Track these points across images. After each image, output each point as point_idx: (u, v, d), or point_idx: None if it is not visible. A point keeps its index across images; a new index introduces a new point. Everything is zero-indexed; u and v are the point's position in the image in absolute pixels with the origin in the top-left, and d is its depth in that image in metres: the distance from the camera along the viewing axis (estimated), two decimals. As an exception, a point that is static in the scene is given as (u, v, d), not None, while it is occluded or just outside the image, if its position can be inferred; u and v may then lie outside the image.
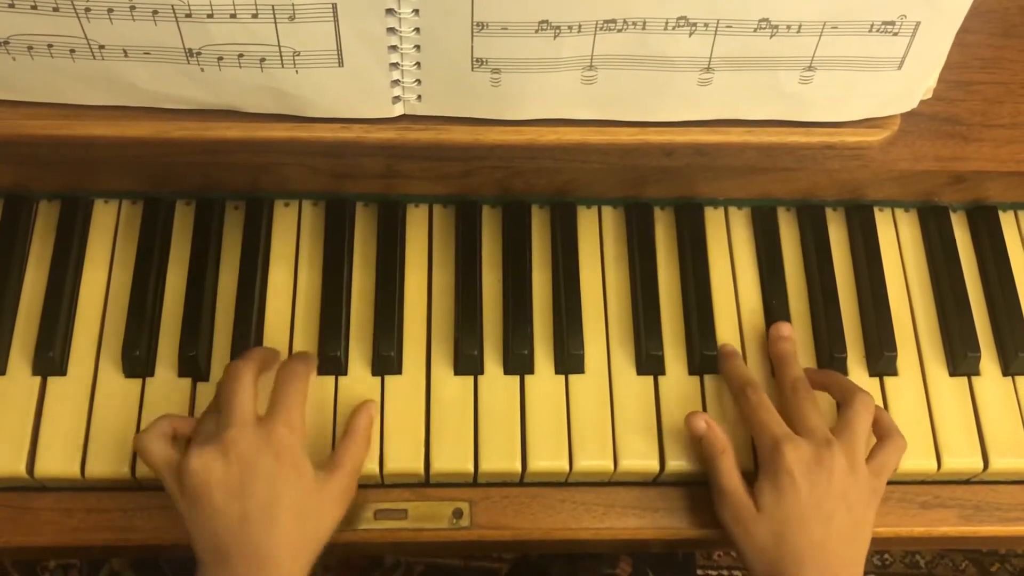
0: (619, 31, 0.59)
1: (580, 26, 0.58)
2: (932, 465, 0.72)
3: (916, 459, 0.72)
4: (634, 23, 0.59)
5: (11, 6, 0.56)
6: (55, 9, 0.56)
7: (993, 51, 0.74)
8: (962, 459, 0.72)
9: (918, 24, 0.60)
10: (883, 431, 0.69)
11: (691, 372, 0.74)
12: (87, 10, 0.56)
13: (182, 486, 0.62)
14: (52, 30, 0.58)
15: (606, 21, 0.58)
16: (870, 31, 0.60)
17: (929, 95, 0.68)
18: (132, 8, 0.56)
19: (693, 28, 0.59)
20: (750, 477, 0.68)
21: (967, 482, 0.74)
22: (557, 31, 0.58)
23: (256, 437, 0.62)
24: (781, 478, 0.65)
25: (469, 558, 1.33)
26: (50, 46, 0.59)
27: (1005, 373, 0.76)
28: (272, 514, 0.61)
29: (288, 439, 0.63)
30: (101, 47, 0.59)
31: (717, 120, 0.66)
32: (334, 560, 1.11)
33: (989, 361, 0.76)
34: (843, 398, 0.70)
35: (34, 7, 0.56)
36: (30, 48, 0.59)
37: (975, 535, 0.73)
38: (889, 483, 0.72)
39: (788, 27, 0.60)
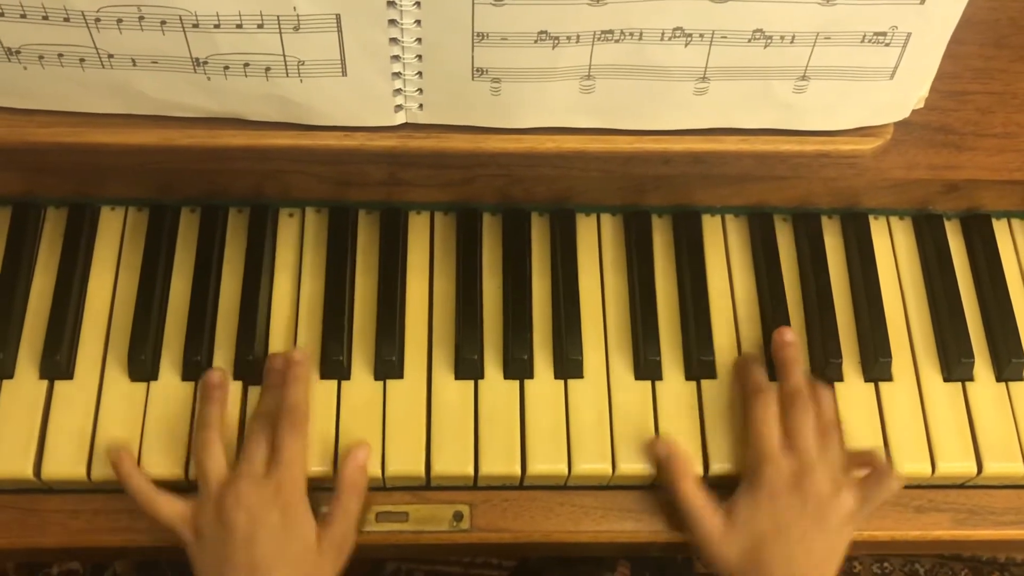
0: (616, 41, 0.60)
1: (578, 36, 0.60)
2: (927, 469, 0.73)
3: (911, 463, 0.73)
4: (631, 33, 0.60)
5: (23, 16, 0.57)
6: (66, 19, 0.58)
7: (985, 61, 0.75)
8: (956, 463, 0.73)
9: (909, 35, 0.61)
10: (879, 467, 0.69)
11: (688, 377, 0.75)
12: (97, 20, 0.58)
13: (197, 532, 0.66)
14: (62, 39, 0.59)
15: (604, 31, 0.60)
16: (862, 42, 0.61)
17: (922, 105, 0.69)
18: (141, 18, 0.57)
19: (689, 39, 0.61)
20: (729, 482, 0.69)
21: (961, 486, 0.75)
22: (556, 41, 0.60)
23: (263, 492, 0.65)
24: (759, 494, 0.67)
25: (469, 565, 1.33)
26: (60, 55, 0.60)
27: (999, 379, 0.77)
28: (276, 566, 0.64)
29: (293, 496, 0.66)
30: (110, 56, 0.60)
31: (713, 129, 0.67)
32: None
33: (983, 367, 0.77)
34: (822, 425, 0.70)
35: (45, 17, 0.58)
36: (41, 57, 0.60)
37: (969, 539, 0.74)
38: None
39: (782, 38, 0.61)
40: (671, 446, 0.70)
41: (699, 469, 0.71)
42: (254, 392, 0.72)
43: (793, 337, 0.74)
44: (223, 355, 0.74)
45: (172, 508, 0.67)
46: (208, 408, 0.70)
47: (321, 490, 0.69)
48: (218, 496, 0.66)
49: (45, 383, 0.72)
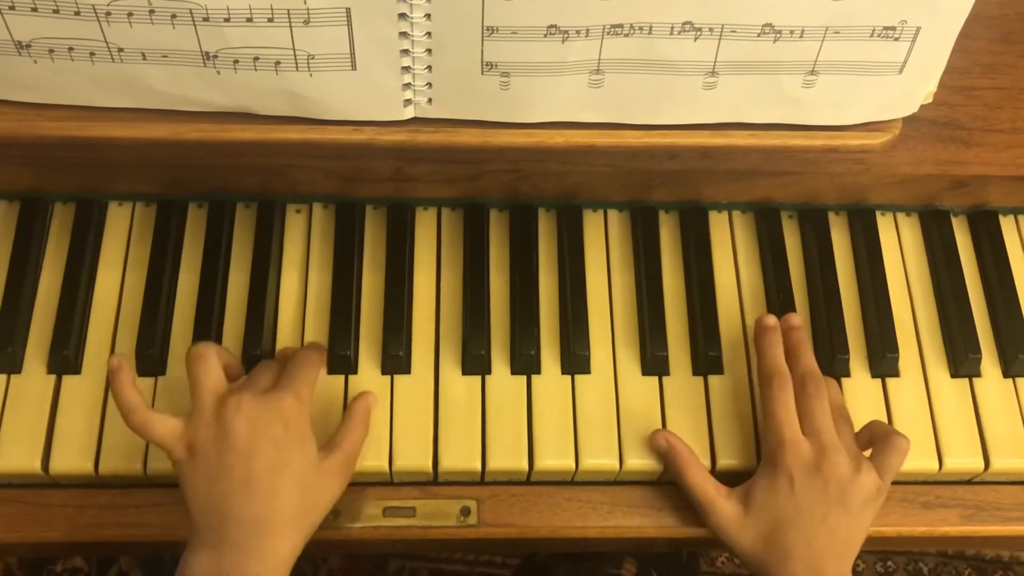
0: (626, 36, 0.60)
1: (588, 30, 0.60)
2: (934, 465, 0.73)
3: (918, 459, 0.73)
4: (640, 28, 0.60)
5: (34, 10, 0.58)
6: (76, 13, 0.58)
7: (993, 57, 0.75)
8: (963, 459, 0.73)
9: (918, 29, 0.61)
10: (882, 435, 0.69)
11: (695, 373, 0.75)
12: (107, 14, 0.58)
13: (191, 448, 0.62)
14: (73, 33, 0.59)
15: (613, 26, 0.60)
16: (871, 36, 0.61)
17: (930, 100, 0.69)
18: (151, 12, 0.58)
19: (698, 33, 0.61)
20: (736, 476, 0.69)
21: (968, 482, 0.75)
22: (565, 35, 0.60)
23: (266, 403, 0.64)
24: (779, 479, 0.66)
25: (473, 563, 1.34)
26: (70, 49, 0.60)
27: (1006, 375, 0.77)
28: (276, 480, 0.62)
29: (297, 410, 0.64)
30: (120, 50, 0.60)
31: (721, 124, 0.67)
32: (339, 562, 1.12)
33: (990, 363, 0.77)
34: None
35: (56, 11, 0.58)
36: (51, 51, 0.60)
37: (976, 535, 0.74)
38: (891, 483, 0.74)
39: (791, 32, 0.61)
40: (670, 438, 0.70)
41: (707, 463, 0.71)
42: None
43: (799, 321, 0.74)
44: (231, 349, 0.73)
45: (165, 424, 0.63)
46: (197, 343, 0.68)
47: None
48: (217, 406, 0.63)
49: (53, 378, 0.72)
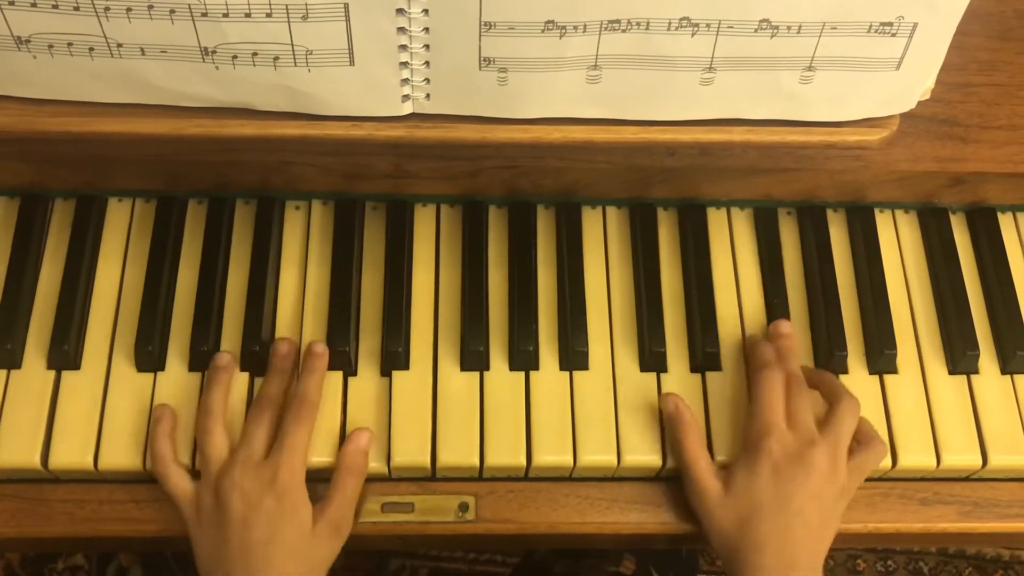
0: (623, 31, 0.61)
1: (585, 26, 0.60)
2: (931, 462, 0.73)
3: (916, 456, 0.73)
4: (638, 23, 0.60)
5: (33, 5, 0.58)
6: (75, 8, 0.58)
7: (991, 54, 0.75)
8: (961, 456, 0.73)
9: (915, 25, 0.61)
10: (864, 437, 0.71)
11: (693, 369, 0.75)
12: (107, 9, 0.58)
13: (197, 513, 0.67)
14: (72, 29, 0.59)
15: (610, 21, 0.60)
16: (868, 32, 0.61)
17: (927, 96, 0.69)
18: (150, 7, 0.58)
19: (695, 28, 0.61)
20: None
21: (966, 479, 0.75)
22: (563, 31, 0.60)
23: (260, 478, 0.66)
24: (760, 464, 0.67)
25: (473, 561, 1.34)
26: (70, 44, 0.61)
27: (1004, 371, 0.77)
28: (269, 551, 0.64)
29: (289, 482, 0.66)
30: (119, 45, 0.60)
31: (719, 119, 0.67)
32: (340, 560, 1.12)
33: (988, 360, 0.77)
34: (831, 399, 0.71)
35: (55, 6, 0.58)
36: (50, 46, 0.61)
37: (974, 531, 0.74)
38: (889, 479, 0.74)
39: (788, 28, 0.61)
40: (679, 403, 0.71)
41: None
42: (260, 383, 0.72)
43: (790, 330, 0.75)
44: (229, 346, 0.74)
45: (180, 483, 0.68)
46: (212, 392, 0.70)
47: (325, 481, 0.69)
48: (216, 479, 0.66)
49: (52, 373, 0.72)
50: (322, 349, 0.72)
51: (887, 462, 0.73)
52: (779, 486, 0.66)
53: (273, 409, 0.70)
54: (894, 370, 0.76)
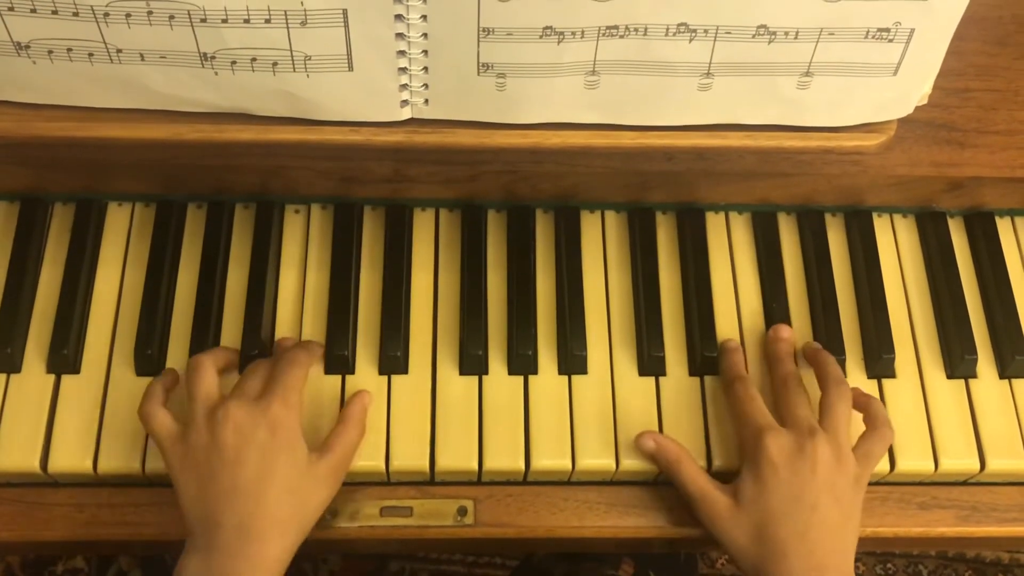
0: (621, 37, 0.61)
1: (583, 32, 0.60)
2: (930, 466, 0.73)
3: (914, 460, 0.73)
4: (636, 29, 0.60)
5: (33, 11, 0.58)
6: (75, 14, 0.58)
7: (988, 59, 0.75)
8: (959, 460, 0.73)
9: (912, 31, 0.61)
10: (872, 421, 0.70)
11: (692, 373, 0.76)
12: (106, 15, 0.58)
13: (183, 453, 0.64)
14: (71, 34, 0.60)
15: (608, 27, 0.60)
16: (865, 38, 0.61)
17: (925, 101, 0.69)
18: (149, 13, 0.58)
19: (693, 34, 0.61)
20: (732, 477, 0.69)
21: (964, 483, 0.75)
22: (561, 37, 0.60)
23: (253, 411, 0.64)
24: (763, 468, 0.66)
25: (472, 565, 1.34)
26: (69, 50, 0.61)
27: (1002, 376, 0.77)
28: (262, 487, 0.63)
29: (284, 416, 0.65)
30: (119, 51, 0.61)
31: (717, 125, 0.67)
32: (339, 563, 1.12)
33: (986, 364, 0.77)
34: (823, 386, 0.71)
35: (54, 12, 0.58)
36: (50, 52, 0.61)
37: (972, 536, 0.74)
38: (887, 483, 0.74)
39: (786, 33, 0.61)
40: (656, 437, 0.70)
41: (703, 464, 0.72)
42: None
43: (789, 334, 0.75)
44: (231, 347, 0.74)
45: (164, 421, 0.65)
46: (210, 352, 0.70)
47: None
48: (207, 416, 0.64)
49: (52, 377, 0.73)
50: (319, 347, 0.74)
51: (885, 466, 0.73)
52: (787, 486, 0.65)
53: (269, 365, 0.69)
54: (892, 374, 0.76)
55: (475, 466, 0.71)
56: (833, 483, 0.65)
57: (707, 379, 0.75)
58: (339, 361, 0.73)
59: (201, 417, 0.65)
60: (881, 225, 0.82)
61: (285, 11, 0.58)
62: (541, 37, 0.60)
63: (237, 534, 0.62)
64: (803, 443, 0.66)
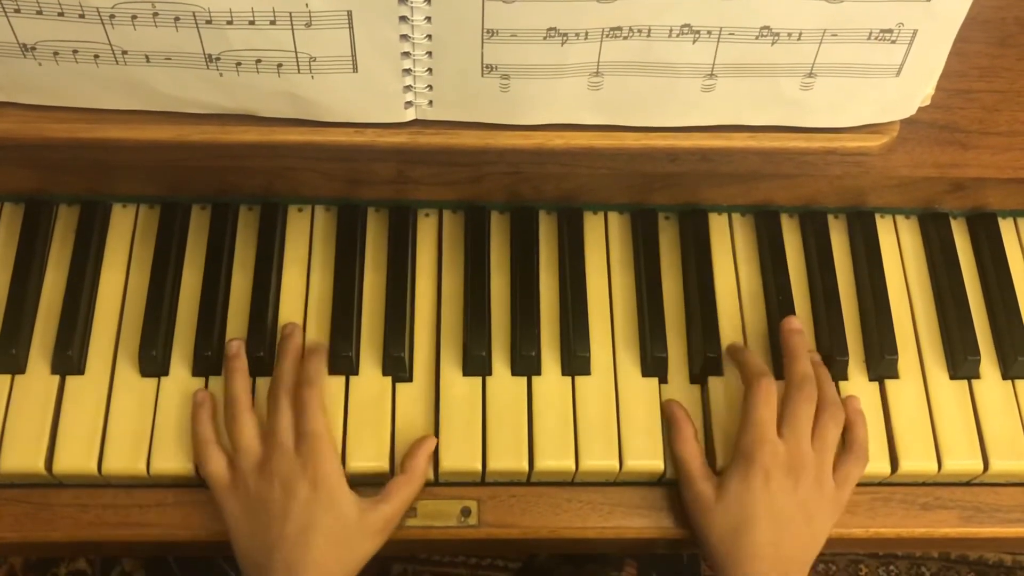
0: (624, 38, 0.61)
1: (587, 33, 0.60)
2: (933, 467, 0.73)
3: (917, 460, 0.73)
4: (639, 30, 0.60)
5: (39, 13, 0.58)
6: (81, 16, 0.58)
7: (990, 60, 0.75)
8: (962, 461, 0.73)
9: (915, 32, 0.61)
10: (852, 444, 0.71)
11: (694, 374, 0.76)
12: (112, 16, 0.58)
13: (235, 503, 0.67)
14: (77, 36, 0.60)
15: (612, 28, 0.60)
16: (869, 39, 0.62)
17: (928, 103, 0.69)
18: (155, 15, 0.58)
19: (696, 36, 0.61)
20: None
21: (967, 484, 0.75)
22: (564, 38, 0.60)
23: (295, 466, 0.67)
24: (753, 472, 0.67)
25: (476, 567, 1.34)
26: (75, 52, 0.61)
27: (1005, 376, 0.77)
28: (307, 538, 0.65)
29: (324, 469, 0.67)
30: (124, 52, 0.61)
31: (720, 126, 0.68)
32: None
33: (989, 365, 0.77)
34: (820, 404, 0.71)
35: (61, 14, 0.58)
36: (56, 54, 0.61)
37: (975, 536, 0.74)
38: (890, 484, 0.74)
39: (789, 35, 0.61)
40: (674, 407, 0.72)
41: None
42: (263, 383, 0.73)
43: (800, 325, 0.75)
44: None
45: (219, 470, 0.68)
46: (234, 382, 0.71)
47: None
48: (255, 469, 0.67)
49: (57, 378, 0.73)
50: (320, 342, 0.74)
51: (888, 467, 0.73)
52: (772, 496, 0.67)
53: (289, 393, 0.70)
54: (895, 375, 0.76)
55: (479, 467, 0.71)
56: (808, 502, 0.68)
57: (710, 380, 0.75)
58: (343, 362, 0.73)
59: (249, 473, 0.67)
60: (884, 226, 0.82)
61: (290, 13, 0.58)
62: (545, 38, 0.60)
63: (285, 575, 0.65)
64: (794, 463, 0.68)
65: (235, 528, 0.67)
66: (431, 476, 0.72)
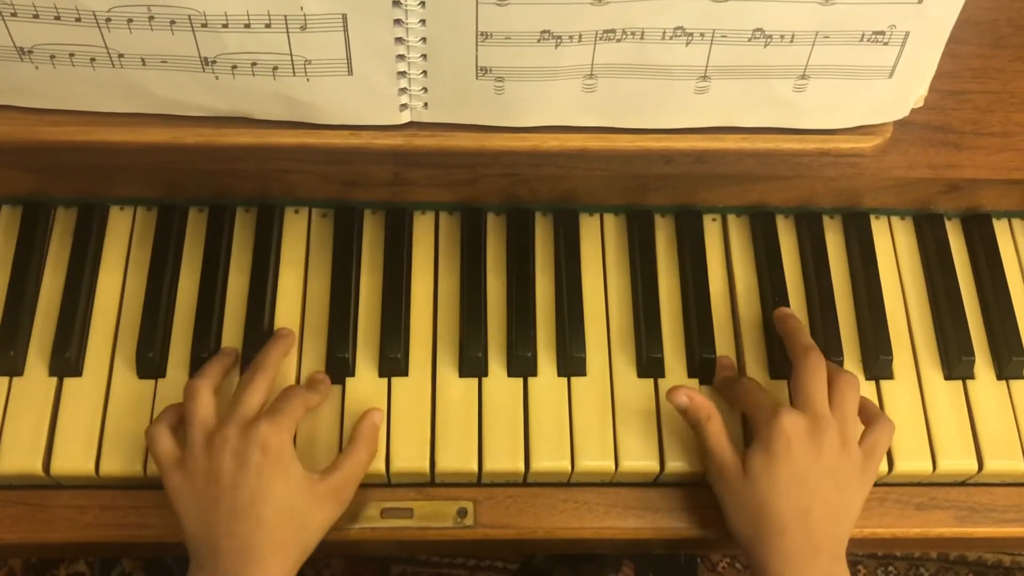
0: (618, 41, 0.61)
1: (580, 36, 0.60)
2: (928, 467, 0.73)
3: (912, 461, 0.73)
4: (632, 33, 0.61)
5: (35, 16, 0.59)
6: (77, 19, 0.59)
7: (983, 61, 0.75)
8: (957, 461, 0.74)
9: (907, 34, 0.62)
10: (870, 416, 0.71)
11: (690, 375, 0.76)
12: (108, 20, 0.59)
13: (182, 479, 0.65)
14: (74, 39, 0.60)
15: (605, 31, 0.60)
16: (861, 40, 0.62)
17: (921, 104, 0.69)
18: (151, 18, 0.58)
19: (690, 38, 0.61)
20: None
21: (962, 484, 0.75)
22: (558, 40, 0.60)
23: (249, 434, 0.65)
24: (775, 443, 0.66)
25: (474, 568, 1.34)
26: (71, 55, 0.61)
27: (999, 377, 0.77)
28: (259, 509, 0.63)
29: (275, 437, 0.65)
30: (120, 56, 0.61)
31: (714, 128, 0.68)
32: (341, 566, 1.13)
33: (983, 365, 0.77)
34: (830, 377, 0.71)
35: (57, 17, 0.59)
36: (52, 57, 0.61)
37: (970, 536, 0.75)
38: (885, 484, 0.74)
39: (782, 37, 0.61)
40: (690, 394, 0.70)
41: (701, 466, 0.72)
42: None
43: (791, 311, 0.76)
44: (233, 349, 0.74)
45: (166, 447, 0.66)
46: (210, 364, 0.71)
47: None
48: (206, 442, 0.65)
49: (54, 380, 0.73)
50: (322, 376, 0.74)
51: (884, 467, 0.73)
52: (795, 462, 0.65)
53: (267, 378, 0.70)
54: (890, 376, 0.77)
55: (475, 468, 0.71)
56: (836, 469, 0.66)
57: (705, 380, 0.75)
58: (339, 363, 0.74)
59: (199, 444, 0.65)
60: (879, 227, 0.82)
61: (285, 16, 0.58)
62: (539, 41, 0.60)
63: (238, 557, 0.63)
64: (815, 427, 0.67)
65: (183, 507, 0.65)
66: (427, 476, 0.72)
